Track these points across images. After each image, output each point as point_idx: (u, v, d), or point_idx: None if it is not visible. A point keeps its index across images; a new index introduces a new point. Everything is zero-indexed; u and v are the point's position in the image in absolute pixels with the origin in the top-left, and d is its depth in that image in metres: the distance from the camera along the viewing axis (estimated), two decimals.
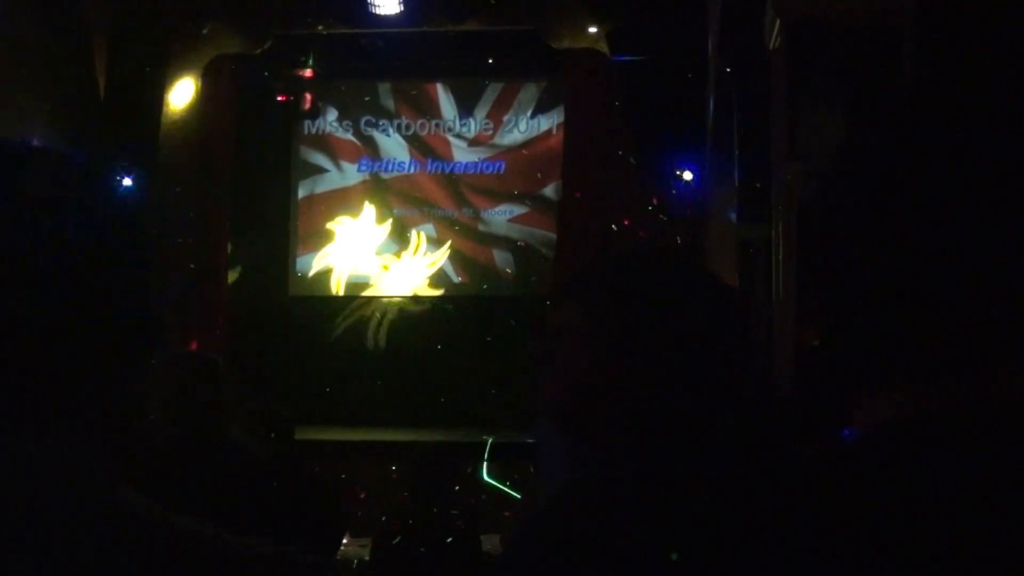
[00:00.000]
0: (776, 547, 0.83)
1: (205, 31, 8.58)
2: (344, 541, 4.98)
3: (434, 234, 9.78)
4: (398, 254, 9.78)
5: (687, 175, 8.27)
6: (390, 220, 9.81)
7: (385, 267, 9.76)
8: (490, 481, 7.41)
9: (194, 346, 8.80)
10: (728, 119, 6.83)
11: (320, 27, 8.83)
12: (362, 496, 6.69)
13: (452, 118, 9.83)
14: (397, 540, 4.60)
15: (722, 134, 7.09)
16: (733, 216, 6.82)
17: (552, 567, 1.13)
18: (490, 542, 4.84)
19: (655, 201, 8.39)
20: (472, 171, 9.79)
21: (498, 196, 9.75)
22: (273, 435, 3.87)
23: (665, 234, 8.25)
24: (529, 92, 9.77)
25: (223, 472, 2.90)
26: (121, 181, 8.21)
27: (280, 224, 9.85)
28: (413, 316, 9.54)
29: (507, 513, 6.37)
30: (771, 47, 5.43)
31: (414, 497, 4.71)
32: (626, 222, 8.51)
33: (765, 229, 5.73)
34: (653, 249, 7.73)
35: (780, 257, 5.19)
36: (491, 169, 9.77)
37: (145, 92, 8.43)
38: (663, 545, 1.10)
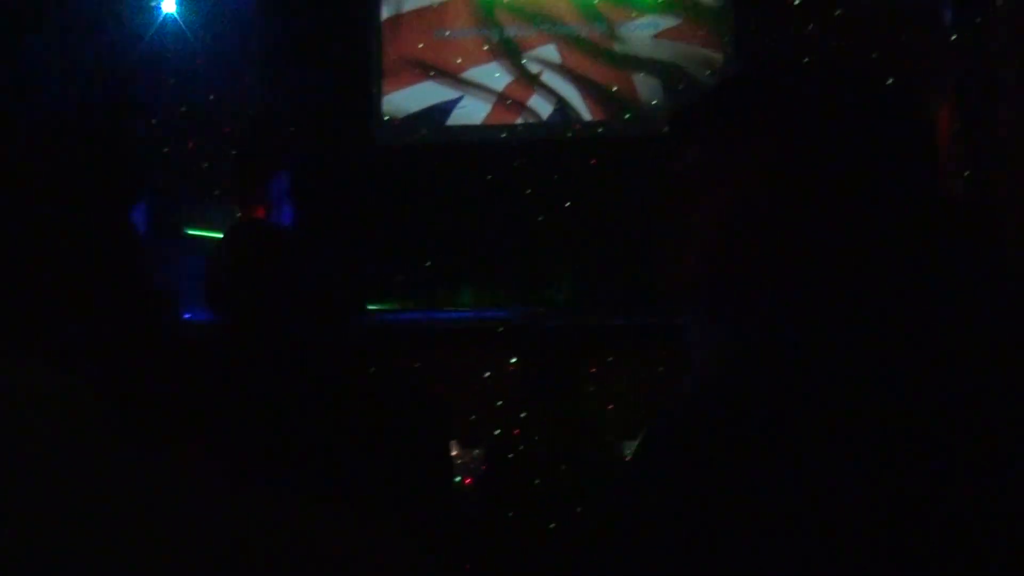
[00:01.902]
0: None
1: None
2: (453, 453, 5.06)
3: (557, 58, 9.66)
4: (510, 87, 9.70)
5: None
6: (500, 42, 9.72)
7: (494, 104, 9.70)
8: None
9: (260, 213, 8.99)
10: None
11: None
12: (469, 394, 6.76)
13: None
14: (518, 450, 4.64)
15: None
16: (946, 16, 6.61)
17: (697, 470, 1.18)
18: (631, 449, 4.85)
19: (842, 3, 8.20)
20: None
21: (639, 6, 9.57)
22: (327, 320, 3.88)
23: (858, 44, 8.06)
24: None
25: (283, 371, 2.94)
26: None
27: (359, 53, 9.83)
28: (532, 166, 9.50)
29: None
30: None
31: (536, 395, 4.72)
32: (804, 31, 8.32)
33: (985, 35, 5.52)
34: (820, 61, 7.61)
35: (1006, 73, 4.99)
36: None
37: None
38: (830, 443, 1.15)
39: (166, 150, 8.62)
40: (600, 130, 9.61)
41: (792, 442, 1.15)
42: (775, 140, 1.37)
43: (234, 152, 9.12)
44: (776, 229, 1.34)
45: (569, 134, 9.61)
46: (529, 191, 9.30)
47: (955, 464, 1.13)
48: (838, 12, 8.26)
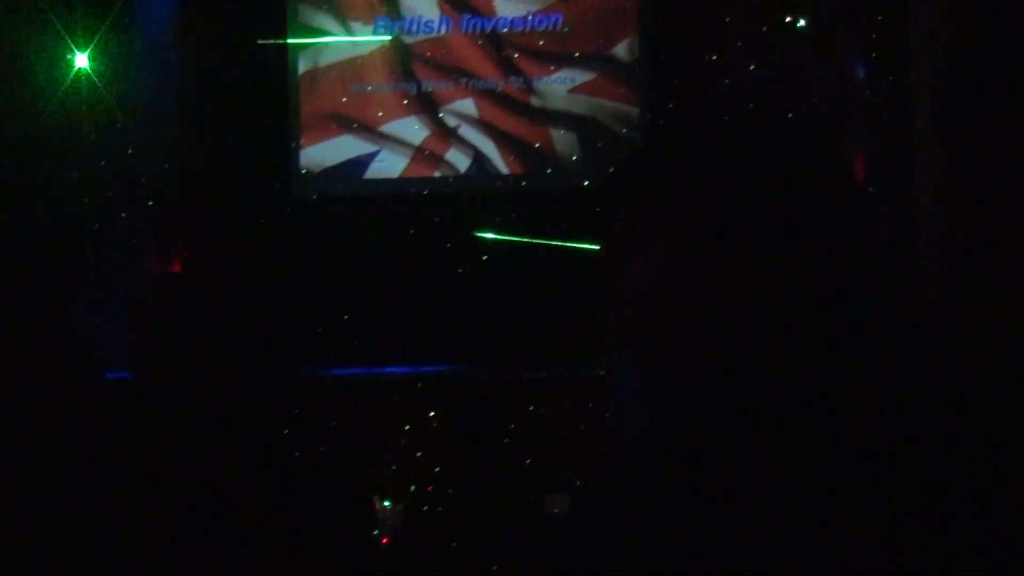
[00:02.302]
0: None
1: None
2: (376, 507, 5.02)
3: (475, 112, 9.70)
4: (427, 140, 9.72)
5: (800, 19, 8.16)
6: (417, 96, 9.75)
7: (411, 157, 9.71)
8: None
9: (176, 268, 8.91)
10: None
11: None
12: (389, 449, 6.74)
13: None
14: (436, 506, 4.63)
15: None
16: (860, 69, 6.72)
17: (634, 530, 1.20)
18: (555, 502, 4.86)
19: (758, 56, 8.30)
20: (520, 28, 9.66)
21: (555, 59, 9.63)
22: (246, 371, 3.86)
23: (773, 95, 8.17)
24: None
25: (199, 428, 2.92)
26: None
27: (276, 109, 9.81)
28: (449, 219, 9.51)
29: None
30: None
31: (457, 448, 4.72)
32: (720, 86, 8.42)
33: (901, 84, 5.64)
34: (748, 116, 7.70)
35: (922, 120, 5.10)
36: (545, 24, 9.64)
37: None
38: (765, 504, 1.18)
39: (87, 200, 8.56)
40: (519, 183, 9.65)
41: (736, 489, 1.17)
42: (706, 196, 1.40)
43: (151, 203, 9.06)
44: (710, 282, 1.36)
45: (487, 187, 9.63)
46: (448, 245, 9.31)
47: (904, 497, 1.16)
48: (752, 67, 8.36)
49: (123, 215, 8.80)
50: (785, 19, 8.23)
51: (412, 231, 9.37)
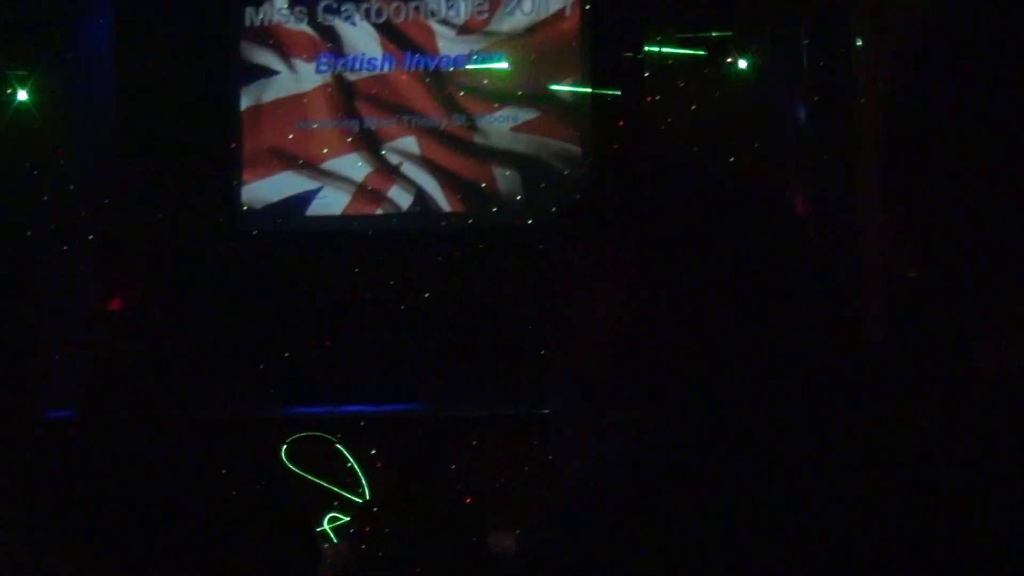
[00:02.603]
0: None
1: None
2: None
3: (417, 149, 9.72)
4: (370, 177, 9.72)
5: (741, 62, 8.24)
6: (360, 133, 9.75)
7: (353, 194, 9.71)
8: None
9: (116, 305, 8.86)
10: None
11: None
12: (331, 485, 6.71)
13: None
14: (381, 542, 4.61)
15: (784, 5, 7.07)
16: (801, 112, 6.79)
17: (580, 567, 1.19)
18: (497, 541, 4.85)
19: (698, 96, 8.37)
20: (463, 67, 9.71)
21: (498, 98, 9.68)
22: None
23: (714, 137, 8.24)
24: None
25: (141, 466, 2.90)
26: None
27: (218, 144, 9.79)
28: (391, 257, 9.50)
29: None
30: None
31: (398, 485, 4.71)
32: (662, 126, 8.48)
33: (842, 127, 5.70)
34: (692, 158, 7.79)
35: (863, 163, 5.16)
36: (488, 63, 9.69)
37: None
38: (711, 535, 1.19)
39: (29, 233, 8.50)
40: (462, 222, 9.66)
41: (691, 524, 1.18)
42: (653, 238, 1.43)
43: (91, 237, 9.02)
44: (656, 323, 1.39)
45: (427, 223, 9.64)
46: (391, 282, 9.29)
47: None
48: (693, 107, 8.43)
49: (64, 248, 8.76)
50: (727, 60, 8.31)
51: (354, 268, 9.35)
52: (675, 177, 1.54)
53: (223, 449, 3.63)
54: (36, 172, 8.66)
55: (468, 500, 5.74)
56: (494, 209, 9.63)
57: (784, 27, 7.28)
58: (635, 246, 1.43)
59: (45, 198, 8.68)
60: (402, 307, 9.12)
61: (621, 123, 8.96)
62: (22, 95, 8.62)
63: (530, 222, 9.30)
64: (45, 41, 8.68)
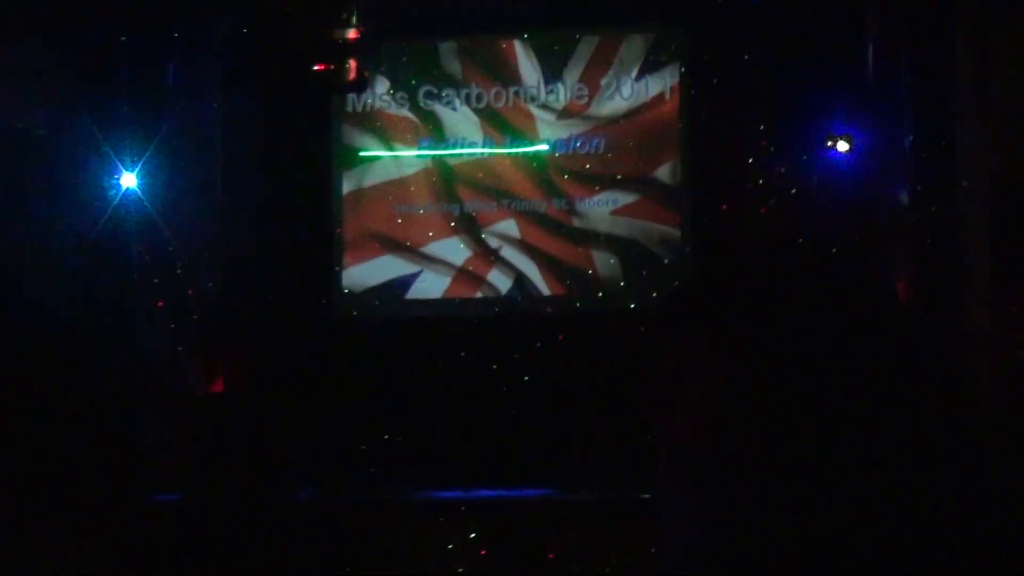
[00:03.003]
0: None
1: None
2: None
3: (517, 233, 9.75)
4: (470, 261, 9.76)
5: (842, 144, 8.21)
6: (460, 217, 9.81)
7: (453, 278, 9.75)
8: None
9: (218, 387, 8.94)
10: (896, 65, 6.77)
11: None
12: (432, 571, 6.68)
13: (535, 83, 9.81)
14: None
15: (888, 87, 7.03)
16: (904, 196, 6.73)
17: None
18: None
19: (801, 181, 8.34)
20: (563, 151, 9.75)
21: (598, 182, 9.70)
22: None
23: (817, 221, 8.19)
24: (634, 46, 9.70)
25: (244, 545, 2.91)
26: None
27: (320, 227, 9.89)
28: (491, 340, 9.51)
29: None
30: None
31: (501, 572, 4.69)
32: (762, 210, 8.45)
33: (948, 210, 5.64)
34: (796, 244, 7.77)
35: (970, 246, 5.09)
36: (588, 148, 9.72)
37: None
38: None
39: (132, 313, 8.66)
40: (563, 305, 9.65)
41: None
42: (759, 323, 1.42)
43: (195, 316, 9.14)
44: (764, 408, 1.39)
45: (527, 307, 9.64)
46: (493, 366, 9.30)
47: None
48: (793, 191, 8.40)
49: (172, 327, 8.89)
50: (828, 143, 8.28)
51: (454, 352, 9.38)
52: (776, 262, 1.54)
53: (322, 533, 3.63)
54: (148, 258, 8.82)
55: None
56: (597, 293, 9.60)
57: (886, 108, 7.26)
58: (737, 331, 1.43)
59: (155, 280, 8.82)
60: (502, 391, 9.12)
61: (724, 207, 8.94)
62: (129, 179, 8.79)
63: (632, 306, 9.29)
64: (153, 129, 8.86)
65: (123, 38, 8.78)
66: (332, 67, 9.80)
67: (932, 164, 5.96)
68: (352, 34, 9.69)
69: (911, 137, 6.53)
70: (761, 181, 8.73)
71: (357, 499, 7.92)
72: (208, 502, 3.01)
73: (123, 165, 8.78)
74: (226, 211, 9.52)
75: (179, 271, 8.96)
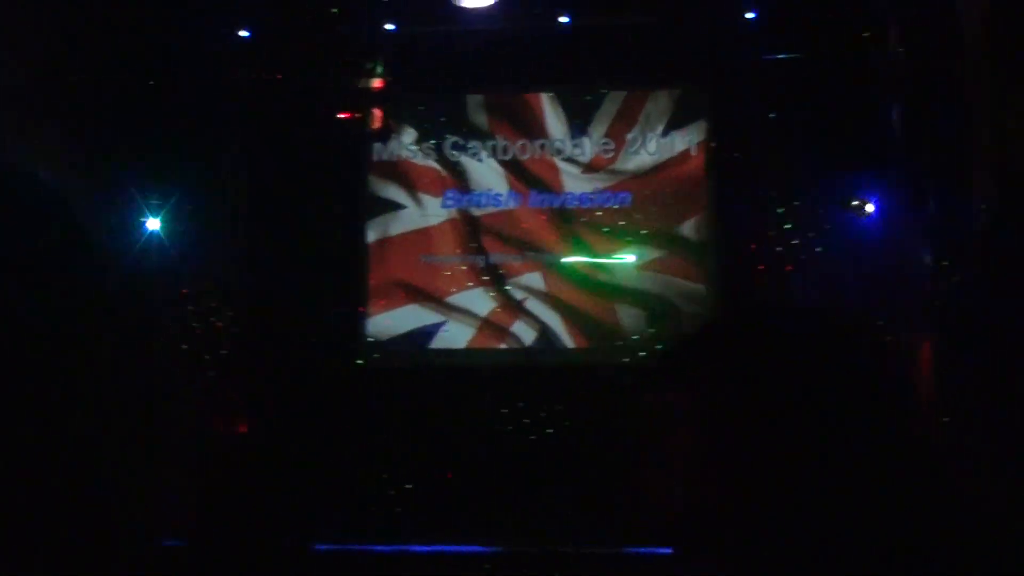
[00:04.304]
0: None
1: None
2: None
3: (542, 285, 9.77)
4: (494, 312, 9.77)
5: (868, 207, 8.21)
6: (485, 268, 9.84)
7: (478, 328, 9.75)
8: None
9: (243, 430, 8.95)
10: (918, 128, 6.79)
11: (390, 24, 9.01)
12: None
13: (561, 137, 9.87)
14: None
15: (911, 149, 7.04)
16: (928, 256, 6.72)
17: None
18: None
19: (824, 241, 8.35)
20: (588, 204, 9.79)
21: (623, 236, 9.72)
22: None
23: (842, 283, 8.18)
24: (660, 102, 9.75)
25: None
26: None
27: (346, 275, 9.93)
28: (516, 392, 9.51)
29: None
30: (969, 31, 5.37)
31: None
32: (788, 267, 8.45)
33: (972, 273, 5.63)
34: (790, 301, 7.82)
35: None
36: (613, 202, 9.76)
37: None
38: None
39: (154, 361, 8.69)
40: (586, 358, 9.63)
41: None
42: (748, 384, 1.44)
43: (222, 354, 9.18)
44: (749, 466, 1.41)
45: (553, 359, 9.62)
46: (517, 418, 9.29)
47: None
48: (819, 249, 8.40)
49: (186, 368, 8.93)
50: (852, 203, 8.29)
51: (478, 402, 9.38)
52: (784, 326, 1.56)
53: None
54: (171, 302, 8.87)
55: None
56: (621, 347, 9.56)
57: (909, 173, 7.27)
58: (729, 393, 1.45)
59: (180, 323, 8.89)
60: (526, 442, 9.10)
61: (748, 264, 8.95)
62: (154, 223, 8.86)
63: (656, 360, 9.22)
64: (180, 175, 8.93)
65: (151, 82, 8.85)
66: (358, 116, 9.89)
67: (953, 230, 5.95)
68: (378, 83, 9.78)
69: (933, 202, 6.53)
70: (785, 239, 8.72)
71: (374, 550, 7.90)
72: (217, 549, 3.01)
73: (149, 210, 8.85)
74: (252, 255, 9.58)
75: (206, 313, 9.00)
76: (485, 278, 9.83)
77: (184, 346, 9.05)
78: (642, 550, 7.31)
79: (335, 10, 9.16)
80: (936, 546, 1.37)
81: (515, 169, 9.91)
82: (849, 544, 1.38)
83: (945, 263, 6.14)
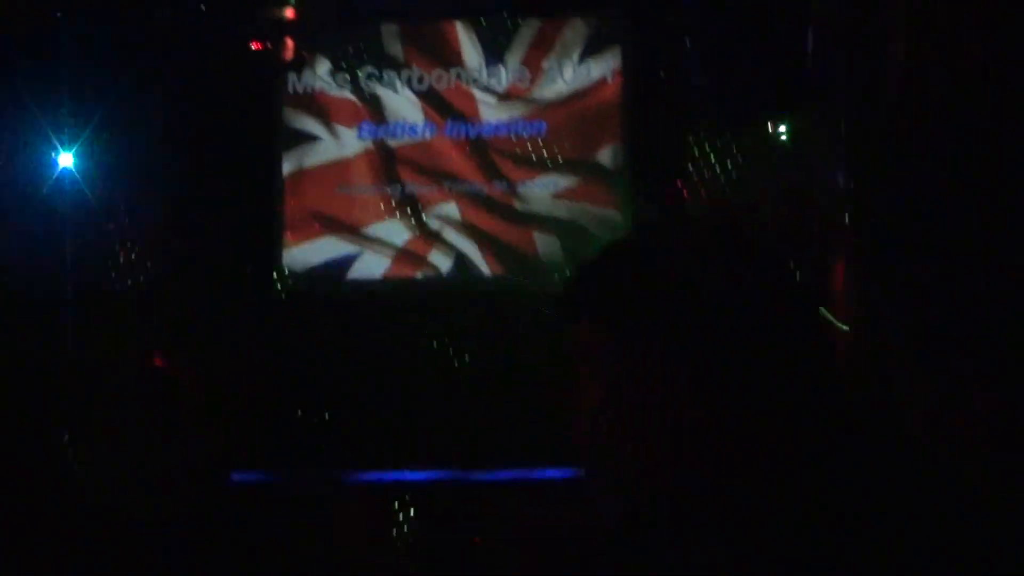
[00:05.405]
0: None
1: None
2: None
3: (458, 215, 9.77)
4: (410, 242, 9.78)
5: (781, 128, 8.28)
6: (401, 198, 9.82)
7: (393, 259, 9.76)
8: None
9: (157, 362, 8.92)
10: (832, 51, 6.85)
11: None
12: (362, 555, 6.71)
13: (477, 66, 9.81)
14: None
15: (825, 72, 7.12)
16: (840, 178, 6.79)
17: None
18: None
19: (740, 165, 8.41)
20: (504, 133, 9.75)
21: (539, 165, 9.71)
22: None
23: (756, 207, 8.26)
24: (576, 30, 9.72)
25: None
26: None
27: (261, 208, 9.88)
28: (431, 320, 9.54)
29: None
30: None
31: (431, 555, 4.73)
32: (702, 192, 8.52)
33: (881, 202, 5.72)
34: (697, 230, 7.91)
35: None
36: (529, 131, 9.73)
37: None
38: None
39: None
40: (502, 284, 9.66)
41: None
42: (654, 313, 1.45)
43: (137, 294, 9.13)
44: (657, 397, 1.42)
45: (468, 287, 9.65)
46: (434, 344, 9.33)
47: None
48: (734, 176, 8.47)
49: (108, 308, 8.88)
50: (767, 127, 8.35)
51: (396, 331, 9.40)
52: (676, 252, 1.56)
53: (257, 514, 3.65)
54: (78, 238, 8.79)
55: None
56: (538, 275, 9.60)
57: (824, 93, 7.35)
58: (611, 328, 1.46)
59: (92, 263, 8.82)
60: (443, 372, 9.15)
61: (659, 190, 9.01)
62: (66, 159, 8.76)
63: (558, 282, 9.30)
64: (91, 107, 8.82)
65: (59, 14, 8.73)
66: (271, 47, 9.80)
67: (864, 151, 6.05)
68: (291, 13, 9.69)
69: (844, 123, 6.62)
70: (699, 165, 8.78)
71: (293, 481, 7.94)
72: (137, 481, 3.03)
73: (60, 144, 8.75)
74: (168, 190, 9.50)
75: (119, 253, 8.93)
76: (401, 208, 9.80)
77: (100, 282, 8.98)
78: (551, 473, 7.41)
79: None
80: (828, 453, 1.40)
81: (431, 99, 9.86)
82: (749, 473, 1.40)
83: (852, 186, 6.25)
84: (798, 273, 1.54)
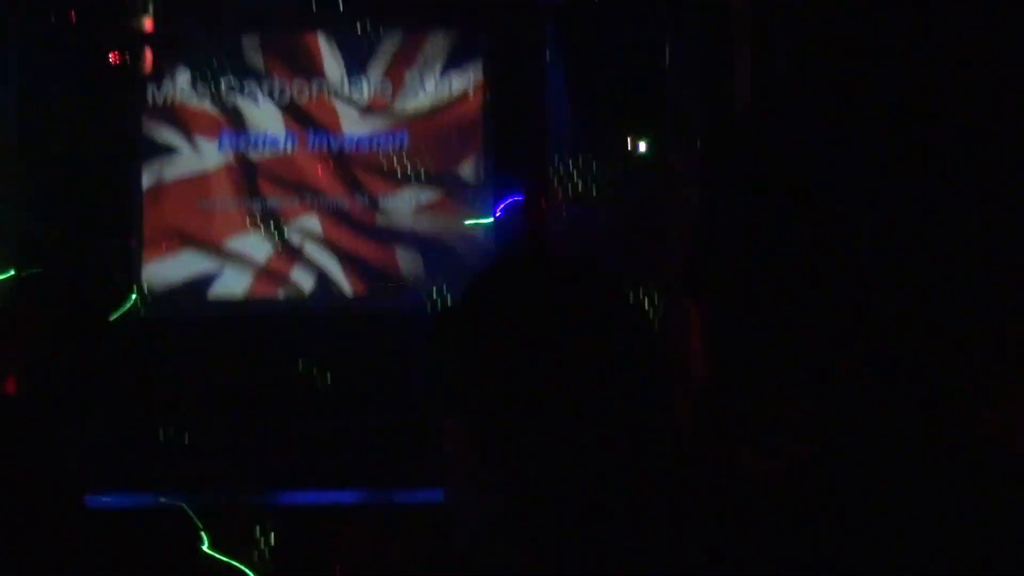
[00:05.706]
0: None
1: None
2: None
3: (320, 230, 9.69)
4: (272, 258, 9.68)
5: (642, 145, 8.35)
6: (262, 212, 9.73)
7: (255, 276, 9.66)
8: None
9: (8, 388, 8.75)
10: (690, 71, 6.95)
11: None
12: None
13: (339, 78, 9.74)
14: None
15: (683, 90, 7.22)
16: (696, 193, 6.87)
17: None
18: None
19: (599, 182, 8.49)
20: (367, 147, 9.70)
21: (401, 179, 9.67)
22: None
23: (623, 224, 8.35)
24: (438, 43, 9.71)
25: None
26: None
27: (118, 223, 9.72)
28: (293, 339, 9.47)
29: None
30: None
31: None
32: (560, 212, 8.58)
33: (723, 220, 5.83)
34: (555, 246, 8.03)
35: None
36: (391, 143, 9.69)
37: None
38: None
39: None
40: (364, 306, 9.61)
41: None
42: (517, 326, 1.50)
43: None
44: (517, 409, 1.47)
45: (329, 306, 9.58)
46: (300, 367, 9.26)
47: None
48: (594, 193, 8.54)
49: None
50: (626, 144, 8.43)
51: (255, 352, 9.32)
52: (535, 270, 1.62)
53: (119, 539, 3.60)
54: None
55: None
56: (399, 293, 9.56)
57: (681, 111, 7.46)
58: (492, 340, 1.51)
59: None
60: (304, 393, 9.09)
61: (525, 207, 9.05)
62: None
63: (428, 311, 9.27)
64: None
65: None
66: (130, 57, 9.64)
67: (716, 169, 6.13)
68: (148, 23, 9.56)
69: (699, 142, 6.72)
70: (561, 179, 8.84)
71: (150, 504, 7.83)
72: None
73: None
74: (25, 202, 9.31)
75: None
76: (263, 223, 9.69)
77: None
78: (418, 495, 7.40)
79: None
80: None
81: (292, 111, 9.78)
82: (601, 493, 1.45)
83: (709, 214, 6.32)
84: (644, 298, 1.63)
